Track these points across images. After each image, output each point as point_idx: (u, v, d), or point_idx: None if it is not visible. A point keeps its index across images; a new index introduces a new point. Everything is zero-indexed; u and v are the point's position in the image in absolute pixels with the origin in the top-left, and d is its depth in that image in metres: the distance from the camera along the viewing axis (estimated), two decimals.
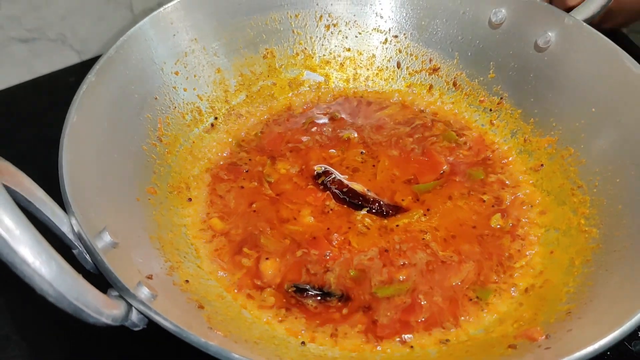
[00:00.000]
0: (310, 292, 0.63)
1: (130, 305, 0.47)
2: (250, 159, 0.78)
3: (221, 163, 0.78)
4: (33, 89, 1.05)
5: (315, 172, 0.76)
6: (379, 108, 0.86)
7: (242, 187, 0.75)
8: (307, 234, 0.69)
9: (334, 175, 0.75)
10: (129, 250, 0.56)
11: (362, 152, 0.79)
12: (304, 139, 0.81)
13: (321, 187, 0.75)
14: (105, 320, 0.42)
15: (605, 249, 0.62)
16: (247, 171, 0.77)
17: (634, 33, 1.04)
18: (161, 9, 0.76)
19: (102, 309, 0.41)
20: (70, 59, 1.14)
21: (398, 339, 0.60)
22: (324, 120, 0.84)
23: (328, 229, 0.70)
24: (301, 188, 0.75)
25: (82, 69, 1.17)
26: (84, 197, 0.55)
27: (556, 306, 0.59)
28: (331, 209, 0.72)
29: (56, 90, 1.02)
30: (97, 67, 0.66)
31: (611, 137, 0.69)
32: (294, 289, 0.64)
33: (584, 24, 0.75)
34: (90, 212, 0.54)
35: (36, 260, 0.37)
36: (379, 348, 0.59)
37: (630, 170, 0.65)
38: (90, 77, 0.65)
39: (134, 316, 0.48)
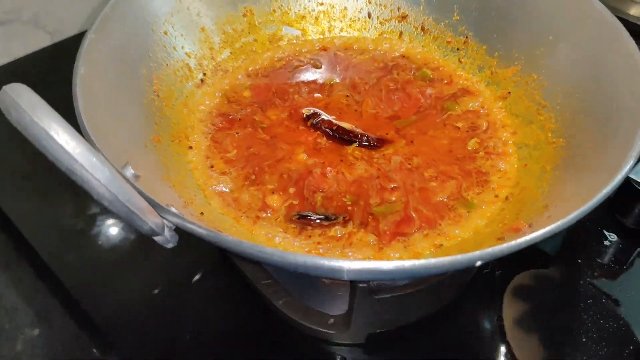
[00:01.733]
0: (312, 217, 0.69)
1: (163, 221, 0.52)
2: (241, 109, 0.83)
3: (214, 113, 0.82)
4: (7, 73, 1.08)
5: (304, 115, 0.82)
6: (356, 55, 0.93)
7: (238, 134, 0.80)
8: (303, 169, 0.75)
9: (322, 116, 0.81)
10: (147, 186, 0.61)
11: (347, 96, 0.85)
12: (290, 88, 0.87)
13: (311, 128, 0.80)
14: (151, 225, 0.47)
15: (572, 153, 0.70)
16: (240, 119, 0.82)
17: None
18: None
19: (148, 214, 0.46)
20: (43, 41, 1.16)
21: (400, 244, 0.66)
22: (306, 69, 0.90)
23: (323, 163, 0.76)
24: (293, 130, 0.81)
25: (55, 51, 1.20)
26: (103, 138, 0.59)
27: (534, 205, 0.66)
28: (323, 146, 0.78)
29: (29, 75, 1.05)
30: (95, 24, 0.70)
31: (568, 59, 0.77)
32: (298, 216, 0.69)
33: None
34: (111, 150, 0.58)
35: (92, 166, 0.41)
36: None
37: (589, 84, 0.73)
38: (91, 34, 0.68)
39: (167, 232, 0.53)
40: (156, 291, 0.76)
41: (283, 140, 0.79)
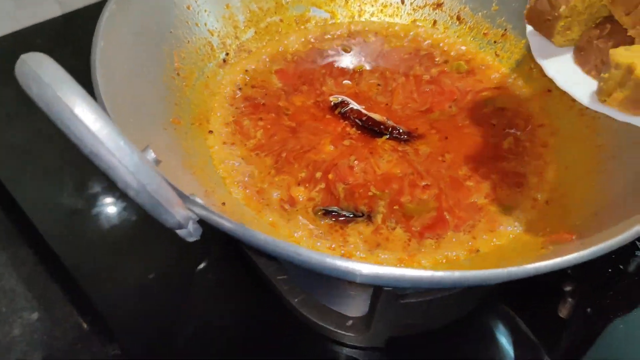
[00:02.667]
0: (338, 213, 0.65)
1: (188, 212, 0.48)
2: (266, 93, 0.79)
3: (237, 96, 0.78)
4: (15, 41, 1.03)
5: (332, 103, 0.77)
6: (387, 42, 0.87)
7: (261, 119, 0.75)
8: (330, 161, 0.71)
9: (351, 105, 0.76)
10: (169, 171, 0.56)
11: (377, 85, 0.80)
12: (317, 73, 0.82)
13: (339, 117, 0.76)
14: (179, 218, 0.42)
15: (619, 154, 0.65)
16: (264, 104, 0.77)
17: None
18: None
19: (176, 205, 0.42)
20: (52, 11, 1.11)
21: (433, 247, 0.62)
22: (334, 54, 0.85)
23: (351, 155, 0.71)
24: (319, 119, 0.76)
25: (64, 21, 1.15)
26: (122, 116, 0.55)
27: (580, 211, 0.62)
28: (351, 137, 0.74)
29: (36, 45, 1.01)
30: None
31: None
32: (323, 211, 0.65)
33: None
34: (130, 130, 0.54)
35: (120, 151, 0.37)
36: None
37: None
38: (111, 5, 0.63)
39: (190, 225, 0.49)
40: (159, 278, 0.72)
41: (309, 129, 0.74)
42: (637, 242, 0.79)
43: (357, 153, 0.72)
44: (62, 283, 0.73)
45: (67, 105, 0.35)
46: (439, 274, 0.42)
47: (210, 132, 0.73)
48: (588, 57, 0.58)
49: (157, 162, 0.53)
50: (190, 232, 0.49)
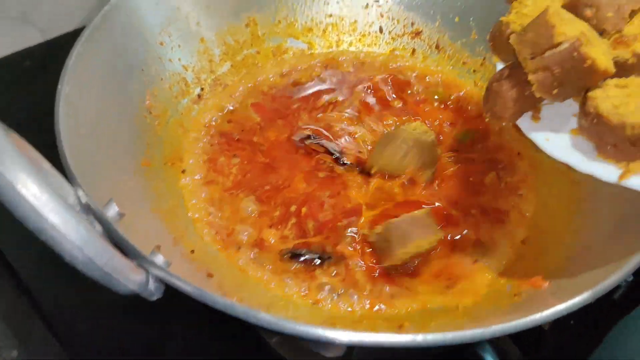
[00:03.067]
0: (308, 257, 0.64)
1: (147, 274, 0.47)
2: (242, 129, 0.78)
3: (212, 132, 0.77)
4: None
5: (304, 136, 0.76)
6: (364, 71, 0.87)
7: (235, 155, 0.74)
8: (301, 199, 0.69)
9: (323, 140, 0.75)
10: (135, 222, 0.55)
11: (356, 115, 0.79)
12: (293, 105, 0.81)
13: (312, 151, 0.75)
14: (132, 286, 0.41)
15: (596, 196, 0.65)
16: (238, 139, 0.76)
17: None
18: None
19: (129, 274, 0.41)
20: (33, 38, 1.10)
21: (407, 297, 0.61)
22: (311, 85, 0.84)
23: (323, 191, 0.70)
24: (292, 153, 0.75)
25: (46, 48, 1.14)
26: (86, 169, 0.54)
27: (555, 254, 0.61)
28: (324, 173, 0.73)
29: (19, 72, 0.99)
30: (83, 37, 0.64)
31: None
32: (290, 254, 0.64)
33: None
34: (94, 183, 0.53)
35: (65, 225, 0.36)
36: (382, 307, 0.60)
37: None
38: (78, 47, 0.62)
39: (151, 284, 0.47)
40: (136, 310, 0.70)
41: (282, 165, 0.73)
42: None
43: (328, 188, 0.71)
44: (42, 319, 0.72)
45: (9, 181, 0.34)
46: (410, 338, 0.43)
47: (184, 171, 0.72)
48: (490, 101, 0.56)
49: (120, 215, 0.53)
50: (151, 292, 0.48)
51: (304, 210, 0.68)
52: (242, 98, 0.82)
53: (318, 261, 0.63)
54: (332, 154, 0.74)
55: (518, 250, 0.66)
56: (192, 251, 0.61)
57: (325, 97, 0.82)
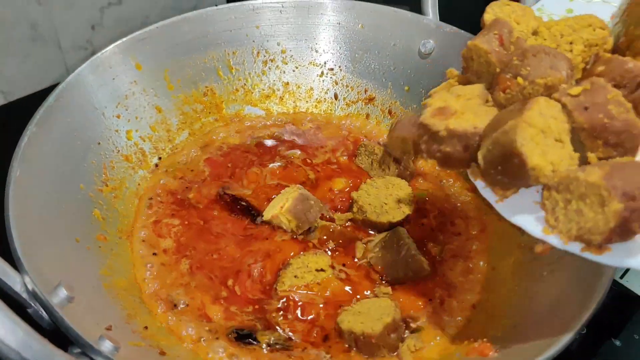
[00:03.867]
0: (250, 339, 0.63)
1: None
2: (186, 187, 0.79)
3: (159, 192, 0.78)
4: None
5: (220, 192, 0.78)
6: (321, 130, 0.90)
7: (173, 216, 0.75)
8: (232, 267, 0.70)
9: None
10: (86, 303, 0.55)
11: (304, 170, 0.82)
12: (245, 160, 0.84)
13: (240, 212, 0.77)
14: None
15: (541, 262, 0.67)
16: (180, 199, 0.77)
17: None
18: (99, 53, 0.75)
19: None
20: None
21: None
22: (267, 141, 0.87)
23: (255, 258, 0.71)
24: (227, 212, 0.76)
25: (9, 110, 1.14)
26: (35, 253, 0.54)
27: (502, 320, 0.63)
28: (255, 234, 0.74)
29: None
30: (37, 116, 0.65)
31: None
32: (236, 335, 0.63)
33: None
34: (43, 268, 0.53)
35: (3, 329, 0.36)
36: None
37: None
38: (31, 128, 0.64)
39: None
40: None
41: (215, 227, 0.74)
42: None
43: (260, 254, 0.71)
44: None
45: None
46: None
47: (143, 242, 0.72)
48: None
49: (69, 299, 0.53)
50: None
51: (236, 284, 0.68)
52: (197, 155, 0.84)
53: (262, 344, 0.62)
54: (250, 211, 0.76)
55: (468, 316, 0.67)
56: (145, 327, 0.61)
57: (285, 152, 0.86)
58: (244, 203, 0.77)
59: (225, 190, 0.78)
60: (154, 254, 0.70)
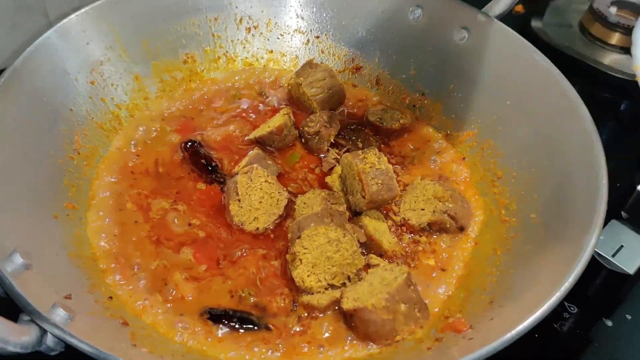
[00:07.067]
0: (225, 320, 0.60)
1: (44, 330, 0.45)
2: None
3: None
4: None
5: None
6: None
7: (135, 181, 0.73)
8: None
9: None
10: (45, 271, 0.54)
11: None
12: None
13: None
14: (13, 348, 0.40)
15: (524, 237, 0.64)
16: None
17: (549, 26, 1.08)
18: (71, 16, 0.73)
19: (8, 337, 0.39)
20: None
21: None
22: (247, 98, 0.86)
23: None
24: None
25: None
26: None
27: (480, 296, 0.61)
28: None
29: None
30: (1, 80, 0.63)
31: (525, 128, 0.72)
32: (208, 315, 0.60)
33: (496, 20, 0.77)
34: (2, 234, 0.52)
35: None
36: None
37: (543, 160, 0.68)
38: None
39: (50, 340, 0.46)
40: None
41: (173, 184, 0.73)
42: (565, 303, 0.77)
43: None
44: None
45: None
46: None
47: (120, 209, 0.70)
48: None
49: (26, 266, 0.51)
50: (49, 348, 0.46)
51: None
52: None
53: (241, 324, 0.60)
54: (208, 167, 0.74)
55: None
56: (110, 297, 0.59)
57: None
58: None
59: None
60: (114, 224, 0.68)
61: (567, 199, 0.62)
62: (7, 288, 0.46)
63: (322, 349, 0.59)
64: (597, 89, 0.98)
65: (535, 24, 1.08)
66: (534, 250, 0.62)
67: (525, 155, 0.70)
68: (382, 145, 0.79)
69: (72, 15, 0.73)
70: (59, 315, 0.47)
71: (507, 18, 0.78)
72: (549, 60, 0.71)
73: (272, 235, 0.68)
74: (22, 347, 0.41)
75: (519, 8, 1.11)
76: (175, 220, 0.68)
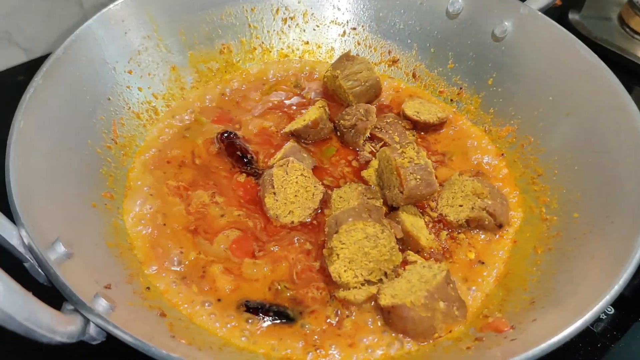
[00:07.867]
0: (263, 315, 0.60)
1: (87, 319, 0.45)
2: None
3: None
4: None
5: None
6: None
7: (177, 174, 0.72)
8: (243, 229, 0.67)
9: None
10: (86, 260, 0.54)
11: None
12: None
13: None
14: (60, 338, 0.40)
15: (566, 236, 0.63)
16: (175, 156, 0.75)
17: (587, 19, 1.05)
18: (110, 5, 0.73)
19: (56, 327, 0.40)
20: (18, 57, 1.10)
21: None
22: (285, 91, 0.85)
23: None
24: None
25: (31, 67, 1.14)
26: (35, 206, 0.52)
27: (521, 296, 0.59)
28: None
29: (3, 91, 0.98)
30: (44, 69, 0.63)
31: (568, 124, 0.70)
32: (245, 308, 0.60)
33: (539, 12, 0.75)
34: (41, 223, 0.52)
35: None
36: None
37: (588, 158, 0.66)
38: (37, 80, 0.62)
39: (92, 330, 0.46)
40: None
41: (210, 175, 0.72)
42: None
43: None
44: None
45: None
46: None
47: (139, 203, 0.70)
48: None
49: (67, 255, 0.52)
50: (92, 337, 0.47)
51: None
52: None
53: (278, 320, 0.60)
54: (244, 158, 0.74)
55: (485, 289, 0.64)
56: (148, 288, 0.59)
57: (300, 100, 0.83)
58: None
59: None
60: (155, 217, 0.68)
61: (613, 200, 0.60)
62: (52, 277, 0.46)
63: (357, 345, 0.58)
64: (637, 83, 0.96)
65: (573, 16, 1.05)
66: (577, 250, 0.60)
67: (568, 153, 0.69)
68: (418, 140, 0.78)
69: (111, 5, 0.73)
70: (102, 305, 0.47)
71: (544, 11, 0.76)
72: (595, 55, 0.69)
73: (308, 229, 0.68)
74: (69, 337, 0.41)
75: (557, 1, 1.08)
76: (213, 211, 0.68)
